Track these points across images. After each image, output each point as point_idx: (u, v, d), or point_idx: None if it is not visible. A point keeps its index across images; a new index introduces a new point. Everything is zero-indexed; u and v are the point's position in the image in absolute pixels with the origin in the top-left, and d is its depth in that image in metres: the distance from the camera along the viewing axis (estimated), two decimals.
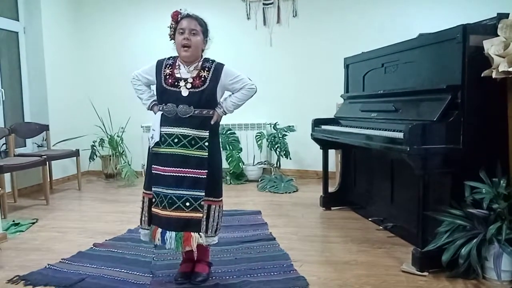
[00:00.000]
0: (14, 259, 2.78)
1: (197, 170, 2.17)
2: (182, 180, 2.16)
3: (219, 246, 2.72)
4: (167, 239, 2.15)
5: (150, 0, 5.50)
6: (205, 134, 2.20)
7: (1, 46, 4.73)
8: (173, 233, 2.16)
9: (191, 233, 2.17)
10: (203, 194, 2.18)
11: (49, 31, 5.16)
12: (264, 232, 3.19)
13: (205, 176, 2.18)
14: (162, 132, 2.19)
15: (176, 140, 2.18)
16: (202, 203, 2.19)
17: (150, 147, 2.25)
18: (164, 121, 2.20)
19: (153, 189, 2.21)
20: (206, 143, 2.20)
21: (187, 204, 2.16)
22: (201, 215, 2.19)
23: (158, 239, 2.18)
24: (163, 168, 2.19)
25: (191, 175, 2.17)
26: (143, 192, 2.30)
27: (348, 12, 5.06)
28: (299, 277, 2.37)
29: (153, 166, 2.23)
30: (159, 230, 2.18)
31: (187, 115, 2.17)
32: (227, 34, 5.22)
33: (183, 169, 2.17)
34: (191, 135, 2.18)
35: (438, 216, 2.37)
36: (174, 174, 2.17)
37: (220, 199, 2.31)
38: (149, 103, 2.33)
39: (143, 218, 2.28)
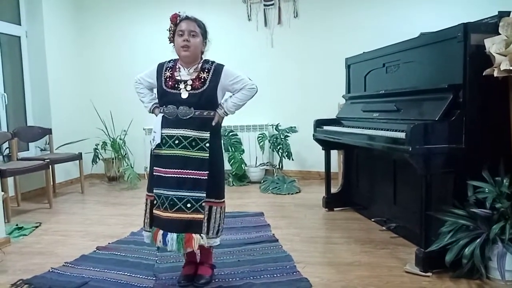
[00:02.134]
0: (18, 263, 2.78)
1: (198, 171, 2.17)
2: (183, 182, 2.17)
3: (222, 248, 2.73)
4: (168, 241, 2.15)
5: (151, 4, 5.52)
6: (206, 135, 2.20)
7: (3, 50, 4.75)
8: (175, 235, 2.15)
9: (193, 234, 2.17)
10: (204, 195, 2.18)
11: (51, 35, 5.18)
12: (267, 234, 3.18)
13: (206, 177, 2.18)
14: (163, 134, 2.20)
15: (177, 142, 2.18)
16: (203, 204, 2.19)
17: (152, 149, 2.26)
18: (165, 123, 2.20)
19: (154, 191, 2.22)
20: (207, 144, 2.20)
21: (188, 205, 2.16)
22: (202, 216, 2.19)
23: (160, 241, 2.18)
24: (164, 169, 2.19)
25: (192, 176, 2.17)
26: (146, 194, 2.31)
27: (349, 12, 5.06)
28: (302, 279, 2.37)
29: (154, 168, 2.24)
30: (161, 232, 2.18)
31: (187, 117, 2.18)
32: (228, 36, 5.23)
33: (184, 170, 2.17)
34: (191, 137, 2.18)
35: (441, 216, 2.36)
36: (175, 175, 2.17)
37: (222, 200, 2.30)
38: (150, 106, 2.34)
39: (145, 220, 2.29)
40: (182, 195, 2.16)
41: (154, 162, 2.26)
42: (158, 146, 2.21)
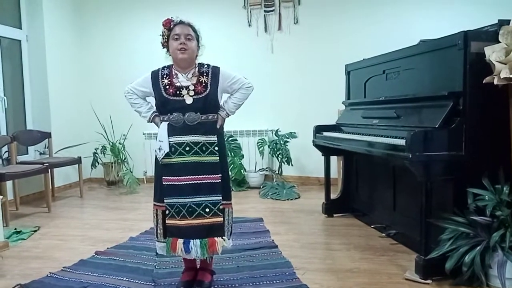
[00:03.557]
0: (16, 267, 2.77)
1: (212, 175, 2.18)
2: (199, 187, 2.17)
3: (221, 254, 2.70)
4: (191, 248, 2.15)
5: (152, 7, 5.52)
6: (214, 139, 2.21)
7: (4, 54, 4.75)
8: (197, 241, 2.15)
9: (215, 238, 2.18)
10: (220, 198, 2.20)
11: (52, 39, 5.19)
12: (266, 240, 3.17)
13: (220, 181, 2.20)
14: (171, 142, 2.18)
15: (187, 148, 2.17)
16: (221, 207, 2.20)
17: (160, 159, 2.21)
18: (172, 131, 2.18)
19: (166, 200, 2.19)
20: (216, 148, 2.21)
21: (207, 210, 2.17)
22: (221, 219, 2.20)
23: (181, 250, 2.16)
24: (177, 178, 2.17)
25: (207, 181, 2.18)
26: (154, 205, 2.27)
27: (349, 19, 5.07)
28: (302, 285, 2.36)
29: (164, 177, 2.20)
30: (180, 240, 2.17)
31: (195, 122, 2.17)
32: (229, 41, 5.26)
33: (199, 176, 2.17)
34: (201, 142, 2.18)
35: (441, 223, 2.36)
36: (190, 182, 2.17)
37: (231, 201, 2.32)
38: (149, 115, 2.31)
39: (158, 231, 2.26)
40: (200, 201, 2.16)
41: (162, 171, 2.21)
42: (167, 155, 2.18)
